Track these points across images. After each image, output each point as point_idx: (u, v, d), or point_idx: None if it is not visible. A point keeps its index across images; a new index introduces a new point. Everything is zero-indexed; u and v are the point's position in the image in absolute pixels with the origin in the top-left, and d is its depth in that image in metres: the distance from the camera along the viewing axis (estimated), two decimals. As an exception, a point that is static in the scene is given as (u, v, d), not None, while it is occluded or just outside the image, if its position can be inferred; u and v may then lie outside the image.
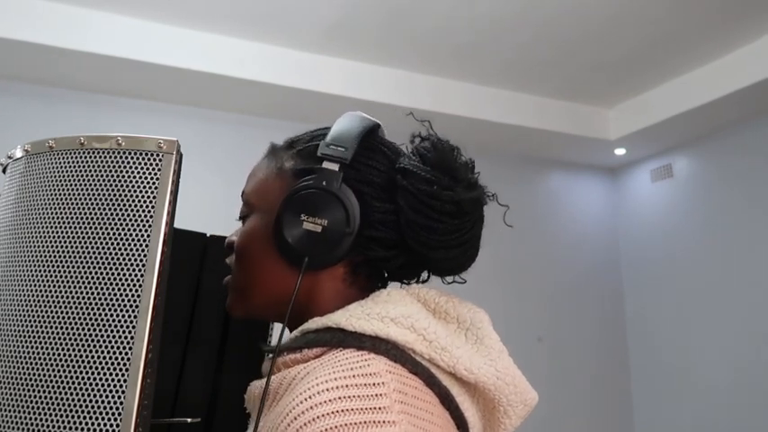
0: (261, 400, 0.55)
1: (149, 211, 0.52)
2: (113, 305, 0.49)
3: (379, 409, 0.48)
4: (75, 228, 0.52)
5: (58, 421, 0.47)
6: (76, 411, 0.47)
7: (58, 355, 0.48)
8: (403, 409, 0.49)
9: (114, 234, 0.51)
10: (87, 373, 0.48)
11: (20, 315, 0.51)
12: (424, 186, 0.60)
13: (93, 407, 0.47)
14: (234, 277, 0.67)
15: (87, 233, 0.51)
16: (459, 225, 0.60)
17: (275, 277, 0.62)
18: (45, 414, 0.47)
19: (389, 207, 0.61)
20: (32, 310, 0.50)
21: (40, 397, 0.48)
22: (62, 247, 0.51)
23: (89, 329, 0.49)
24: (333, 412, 0.46)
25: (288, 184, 0.63)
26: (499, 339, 0.61)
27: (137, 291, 0.50)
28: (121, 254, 0.51)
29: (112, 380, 0.48)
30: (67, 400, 0.47)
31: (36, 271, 0.51)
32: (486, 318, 0.62)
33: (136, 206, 0.52)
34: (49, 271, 0.51)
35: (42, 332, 0.49)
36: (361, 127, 0.63)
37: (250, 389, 0.64)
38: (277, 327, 0.81)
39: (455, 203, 0.59)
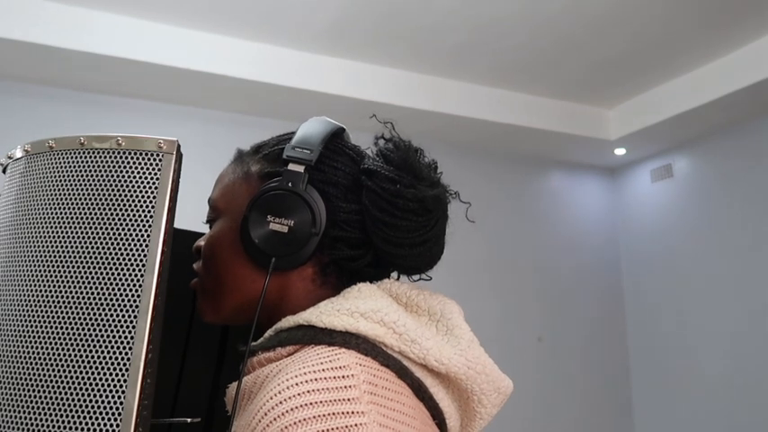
0: (234, 401, 0.56)
1: (149, 211, 0.52)
2: (113, 305, 0.49)
3: (349, 400, 0.48)
4: (75, 228, 0.52)
5: (57, 421, 0.47)
6: (76, 411, 0.47)
7: (58, 355, 0.48)
8: (373, 399, 0.50)
9: (114, 234, 0.51)
10: (87, 373, 0.48)
11: (20, 315, 0.51)
12: (388, 185, 0.61)
13: (93, 407, 0.47)
14: (203, 282, 0.67)
15: (87, 233, 0.51)
16: (422, 222, 0.61)
17: (244, 279, 0.63)
18: (45, 414, 0.47)
19: (355, 207, 0.62)
20: (32, 310, 0.50)
21: (40, 397, 0.48)
22: (62, 247, 0.51)
23: (89, 329, 0.49)
24: (302, 405, 0.47)
25: (254, 187, 0.64)
26: (470, 330, 0.62)
27: (137, 291, 0.50)
28: (121, 254, 0.51)
29: (112, 380, 0.48)
30: (67, 400, 0.47)
31: (36, 271, 0.51)
32: (456, 309, 0.63)
33: (136, 206, 0.52)
34: (49, 271, 0.51)
35: (42, 332, 0.49)
36: (325, 130, 0.65)
37: (228, 390, 0.65)
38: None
39: (418, 201, 0.61)
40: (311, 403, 0.47)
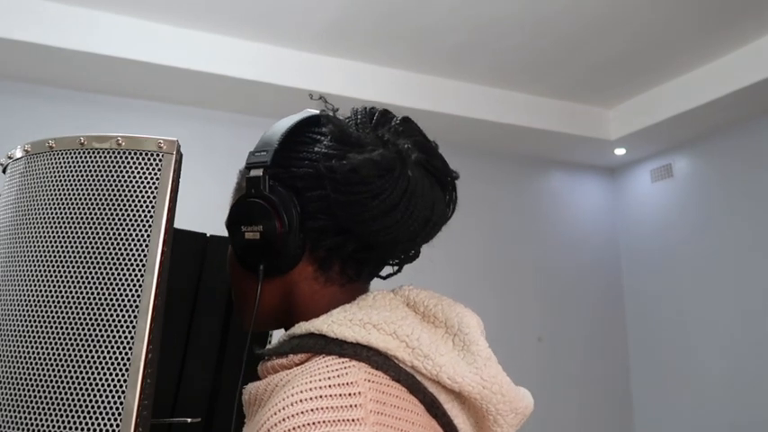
0: (233, 410, 0.57)
1: (149, 211, 0.52)
2: (113, 305, 0.49)
3: (353, 420, 0.48)
4: (76, 228, 0.52)
5: (57, 421, 0.47)
6: (76, 411, 0.47)
7: (59, 355, 0.48)
8: (379, 420, 0.49)
9: (114, 234, 0.51)
10: (87, 373, 0.48)
11: (20, 315, 0.51)
12: (328, 163, 0.59)
13: (93, 407, 0.47)
14: (232, 296, 0.69)
15: (87, 233, 0.51)
16: (375, 190, 0.58)
17: (251, 290, 0.63)
18: (45, 414, 0.47)
19: (321, 193, 0.60)
20: (32, 310, 0.50)
21: (40, 397, 0.48)
22: (62, 247, 0.51)
23: (89, 329, 0.49)
24: (305, 424, 0.46)
25: None
26: (487, 346, 0.59)
27: (137, 291, 0.50)
28: (121, 254, 0.51)
29: (112, 380, 0.48)
30: (67, 400, 0.47)
31: (36, 271, 0.51)
32: (474, 322, 0.60)
33: (136, 206, 0.52)
34: (49, 271, 0.51)
35: (42, 332, 0.49)
36: (284, 125, 0.63)
37: (246, 390, 0.65)
38: (275, 331, 0.81)
39: (352, 171, 0.57)
40: (314, 422, 0.46)
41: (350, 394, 0.50)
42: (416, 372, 0.55)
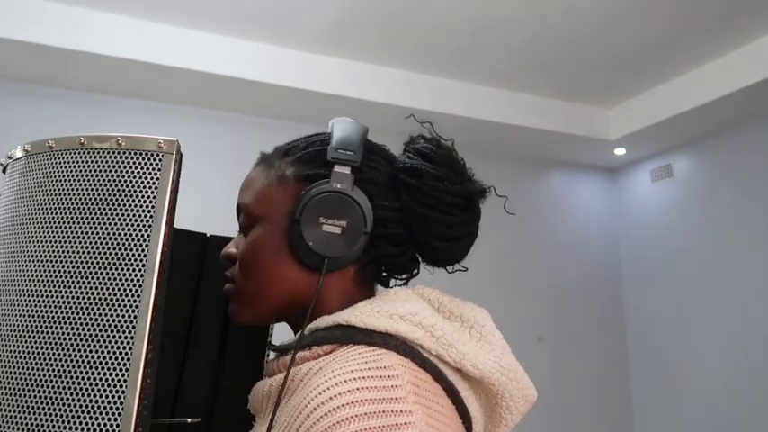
0: (278, 396, 0.56)
1: (149, 211, 0.52)
2: (113, 305, 0.49)
3: (396, 399, 0.49)
4: (76, 228, 0.52)
5: (57, 421, 0.47)
6: (76, 411, 0.47)
7: (59, 355, 0.48)
8: (417, 400, 0.51)
9: (114, 234, 0.51)
10: (87, 373, 0.48)
11: (20, 315, 0.51)
12: (435, 183, 0.63)
13: (93, 407, 0.47)
14: (241, 287, 0.66)
15: (87, 233, 0.51)
16: (466, 217, 0.65)
17: (289, 282, 0.63)
18: (45, 414, 0.47)
19: (395, 205, 0.64)
20: (32, 311, 0.50)
21: (40, 397, 0.48)
22: (62, 247, 0.51)
23: (89, 329, 0.49)
24: (351, 402, 0.48)
25: (293, 190, 0.64)
26: (502, 336, 0.63)
27: (137, 291, 0.50)
28: (121, 254, 0.51)
29: (112, 380, 0.48)
30: (67, 400, 0.47)
31: (36, 271, 0.51)
32: (488, 316, 0.65)
33: (136, 206, 0.52)
34: (49, 271, 0.51)
35: (42, 332, 0.49)
36: (361, 131, 0.66)
37: (255, 389, 0.65)
38: (277, 327, 0.81)
39: (465, 197, 0.64)
40: (360, 401, 0.48)
41: (389, 376, 0.51)
42: (439, 360, 0.58)
